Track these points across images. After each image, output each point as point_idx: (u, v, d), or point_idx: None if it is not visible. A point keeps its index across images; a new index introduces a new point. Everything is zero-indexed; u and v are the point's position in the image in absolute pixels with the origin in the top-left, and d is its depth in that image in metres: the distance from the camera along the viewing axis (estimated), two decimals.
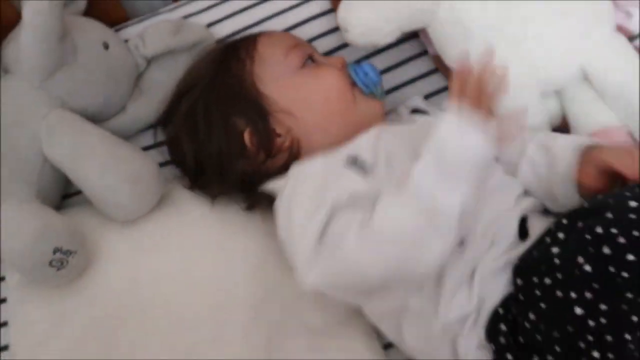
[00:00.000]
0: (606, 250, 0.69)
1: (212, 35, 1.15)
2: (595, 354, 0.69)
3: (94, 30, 1.06)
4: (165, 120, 1.04)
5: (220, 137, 0.95)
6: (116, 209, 0.97)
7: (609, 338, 0.68)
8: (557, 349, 0.72)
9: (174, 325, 0.93)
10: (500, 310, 0.78)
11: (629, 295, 0.67)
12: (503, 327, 0.78)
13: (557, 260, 0.73)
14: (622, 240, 0.69)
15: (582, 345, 0.69)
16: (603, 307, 0.68)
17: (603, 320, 0.68)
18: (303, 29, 1.15)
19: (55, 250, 0.90)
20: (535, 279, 0.74)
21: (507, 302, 0.78)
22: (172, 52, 1.09)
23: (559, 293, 0.71)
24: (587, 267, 0.69)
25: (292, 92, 0.96)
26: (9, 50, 1.00)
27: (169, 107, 1.03)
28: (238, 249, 0.97)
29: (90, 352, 0.92)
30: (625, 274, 0.68)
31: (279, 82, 0.96)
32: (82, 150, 0.96)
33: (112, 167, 0.95)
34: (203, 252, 0.98)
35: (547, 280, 0.72)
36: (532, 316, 0.74)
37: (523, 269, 0.78)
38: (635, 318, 0.67)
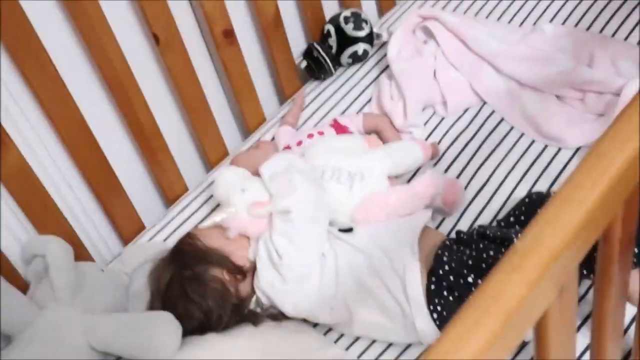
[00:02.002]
0: None
1: (167, 246, 1.47)
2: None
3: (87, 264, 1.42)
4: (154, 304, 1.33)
5: (210, 287, 1.28)
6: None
7: None
8: None
9: None
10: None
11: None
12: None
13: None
14: None
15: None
16: None
17: None
18: None
19: None
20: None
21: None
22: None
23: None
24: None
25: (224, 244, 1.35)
26: (37, 296, 1.29)
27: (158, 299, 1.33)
28: None
29: None
30: None
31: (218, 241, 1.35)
32: (113, 337, 1.25)
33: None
34: None
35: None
36: None
37: None
38: None
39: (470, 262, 1.21)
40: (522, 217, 1.30)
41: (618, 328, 0.97)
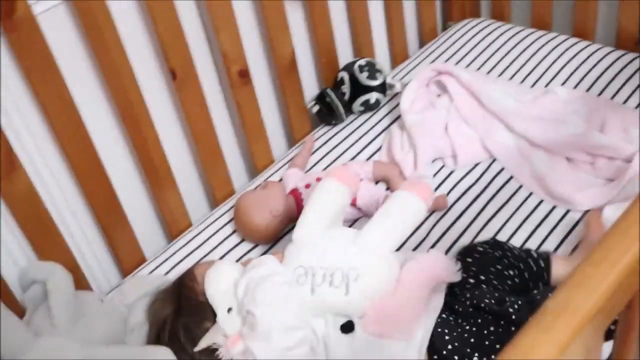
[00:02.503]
0: None
1: (168, 279, 1.44)
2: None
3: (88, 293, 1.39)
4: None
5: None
6: None
7: None
8: None
9: None
10: None
11: None
12: None
13: None
14: None
15: None
16: None
17: None
18: None
19: None
20: None
21: None
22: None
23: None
24: None
25: None
26: (35, 322, 1.24)
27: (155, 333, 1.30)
28: None
29: None
30: None
31: None
32: None
33: None
34: None
35: None
36: None
37: None
38: None
39: (472, 340, 1.18)
40: (517, 280, 1.28)
41: None
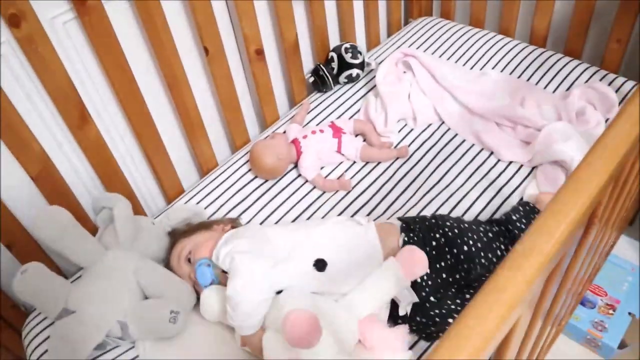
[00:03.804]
0: None
1: (201, 207, 1.40)
2: None
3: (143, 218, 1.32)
4: None
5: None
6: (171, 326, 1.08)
7: None
8: None
9: None
10: None
11: None
12: None
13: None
14: None
15: None
16: None
17: None
18: None
19: (171, 312, 1.08)
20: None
21: None
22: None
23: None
24: None
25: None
26: (105, 238, 1.18)
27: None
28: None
29: None
30: None
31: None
32: (155, 281, 1.14)
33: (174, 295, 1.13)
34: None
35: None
36: None
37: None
38: None
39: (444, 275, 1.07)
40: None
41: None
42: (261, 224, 1.36)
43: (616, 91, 1.51)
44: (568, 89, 1.56)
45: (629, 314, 1.41)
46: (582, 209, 0.61)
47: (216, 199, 1.44)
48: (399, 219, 1.18)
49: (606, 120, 1.44)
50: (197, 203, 1.44)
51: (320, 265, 1.05)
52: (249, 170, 1.51)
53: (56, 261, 1.33)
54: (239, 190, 1.46)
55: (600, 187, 0.63)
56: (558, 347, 1.37)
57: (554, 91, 1.57)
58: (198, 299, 1.14)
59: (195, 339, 1.11)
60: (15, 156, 1.14)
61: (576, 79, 1.59)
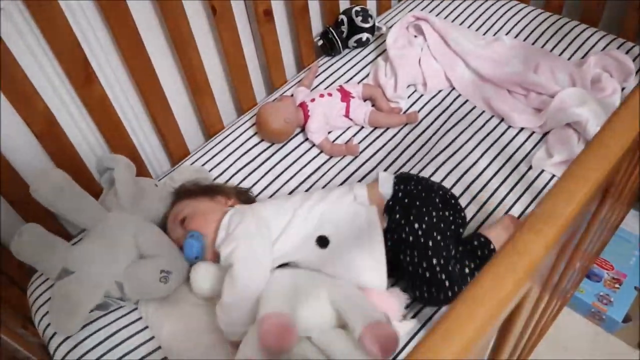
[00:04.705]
0: None
1: (205, 169, 1.38)
2: None
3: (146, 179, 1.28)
4: None
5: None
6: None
7: None
8: None
9: None
10: None
11: None
12: None
13: None
14: None
15: None
16: None
17: None
18: None
19: (162, 272, 1.05)
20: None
21: None
22: None
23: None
24: None
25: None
26: (107, 201, 1.16)
27: None
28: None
29: None
30: None
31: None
32: (151, 242, 1.11)
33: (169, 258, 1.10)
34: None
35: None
36: None
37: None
38: None
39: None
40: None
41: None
42: (266, 188, 1.35)
43: (634, 60, 1.46)
44: (583, 57, 1.52)
45: (635, 288, 1.40)
46: (603, 173, 0.59)
47: (221, 161, 1.42)
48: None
49: (622, 89, 1.40)
50: (203, 165, 1.42)
51: (322, 242, 1.04)
52: (255, 133, 1.48)
53: (61, 222, 1.31)
54: (244, 153, 1.43)
55: (623, 152, 0.61)
56: (561, 319, 1.36)
57: (569, 59, 1.52)
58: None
59: (196, 310, 1.09)
60: (19, 112, 1.12)
61: (592, 46, 1.54)
